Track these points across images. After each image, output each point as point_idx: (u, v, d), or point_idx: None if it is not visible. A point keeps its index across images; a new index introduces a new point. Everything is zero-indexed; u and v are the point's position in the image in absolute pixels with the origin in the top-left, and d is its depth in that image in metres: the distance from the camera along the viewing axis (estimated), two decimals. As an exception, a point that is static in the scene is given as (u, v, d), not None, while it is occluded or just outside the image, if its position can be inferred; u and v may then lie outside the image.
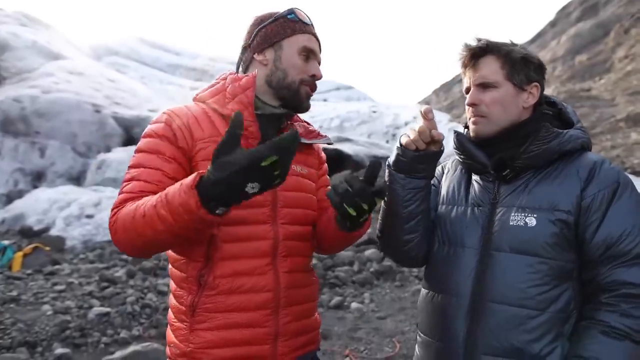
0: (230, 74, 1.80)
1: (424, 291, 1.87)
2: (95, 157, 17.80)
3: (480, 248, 1.68)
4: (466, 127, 1.84)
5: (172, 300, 1.72)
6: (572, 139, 1.67)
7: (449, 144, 1.84)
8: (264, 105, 1.75)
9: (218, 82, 1.79)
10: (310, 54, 1.75)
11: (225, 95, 1.71)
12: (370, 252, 9.02)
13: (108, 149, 18.14)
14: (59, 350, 5.24)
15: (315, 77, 1.77)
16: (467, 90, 1.78)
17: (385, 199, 1.76)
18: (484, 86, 1.73)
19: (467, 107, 1.79)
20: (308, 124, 1.93)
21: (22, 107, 18.10)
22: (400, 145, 1.69)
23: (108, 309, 6.17)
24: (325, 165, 2.01)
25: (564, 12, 78.15)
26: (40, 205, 14.29)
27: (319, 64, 1.80)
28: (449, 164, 1.98)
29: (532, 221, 1.61)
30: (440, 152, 1.69)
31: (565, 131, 1.68)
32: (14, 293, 6.55)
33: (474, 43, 1.75)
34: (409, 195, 1.72)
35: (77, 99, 19.05)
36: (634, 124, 35.03)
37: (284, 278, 1.67)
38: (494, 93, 1.72)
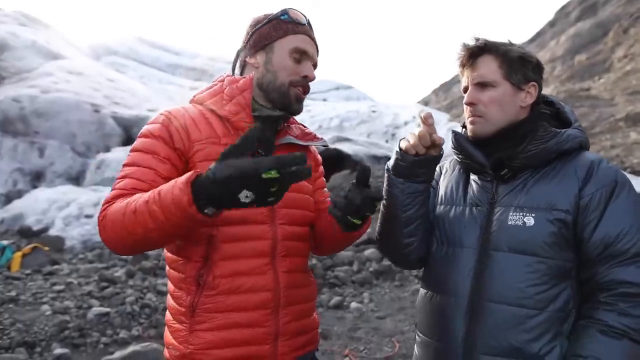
0: (228, 75, 1.81)
1: (422, 291, 1.87)
2: (94, 157, 17.81)
3: (478, 248, 1.68)
4: (464, 126, 1.84)
5: (170, 301, 1.71)
6: (570, 139, 1.67)
7: (447, 144, 1.83)
8: (261, 108, 1.75)
9: (215, 84, 1.79)
10: (303, 55, 1.72)
11: (223, 97, 1.72)
12: (370, 251, 9.02)
13: (107, 149, 18.14)
14: (58, 350, 5.24)
15: (307, 78, 1.74)
16: (466, 90, 1.79)
17: (384, 202, 1.77)
18: (482, 85, 1.73)
19: (465, 107, 1.79)
20: (304, 126, 1.93)
21: (21, 107, 18.09)
22: (400, 149, 1.68)
23: (107, 309, 6.17)
24: (321, 167, 2.01)
25: (563, 12, 78.18)
26: (39, 205, 14.29)
27: (315, 65, 1.78)
28: (446, 164, 1.98)
29: (530, 221, 1.61)
30: (440, 156, 1.69)
31: (563, 131, 1.68)
32: (13, 293, 6.55)
33: (472, 42, 1.76)
34: (408, 200, 1.73)
35: (76, 99, 19.05)
36: (633, 124, 35.05)
37: (283, 278, 1.67)
38: (492, 92, 1.72)
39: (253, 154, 1.30)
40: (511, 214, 1.65)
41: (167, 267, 1.73)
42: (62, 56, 24.34)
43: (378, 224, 1.88)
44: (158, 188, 1.41)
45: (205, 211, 1.31)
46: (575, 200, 1.60)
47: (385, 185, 1.77)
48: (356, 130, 25.53)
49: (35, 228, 13.15)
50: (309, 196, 1.84)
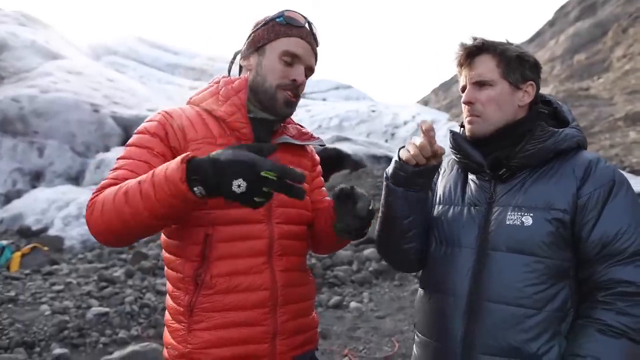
0: (223, 77, 1.82)
1: (421, 291, 1.87)
2: (93, 157, 17.82)
3: (477, 247, 1.68)
4: (462, 126, 1.84)
5: (169, 301, 1.72)
6: (568, 138, 1.68)
7: (447, 144, 1.83)
8: (256, 109, 1.76)
9: (212, 85, 1.81)
10: (294, 59, 1.71)
11: (219, 97, 1.73)
12: (369, 251, 9.01)
13: (107, 149, 18.14)
14: (57, 350, 5.24)
15: (296, 82, 1.72)
16: (464, 89, 1.79)
17: (383, 208, 1.79)
18: (479, 84, 1.74)
19: (463, 106, 1.79)
20: (301, 126, 1.94)
21: (21, 107, 18.10)
22: (399, 159, 1.67)
23: (107, 309, 6.17)
24: (319, 167, 2.02)
25: (562, 12, 78.23)
26: (38, 205, 14.30)
27: (309, 68, 1.77)
28: (444, 163, 1.98)
29: (528, 220, 1.61)
30: (440, 164, 1.69)
31: (560, 130, 1.68)
32: (12, 293, 6.54)
33: (469, 42, 1.76)
34: (407, 207, 1.73)
35: (76, 99, 19.05)
36: (633, 123, 35.08)
37: (280, 276, 1.67)
38: (489, 91, 1.72)
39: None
40: (509, 213, 1.65)
41: (166, 268, 1.73)
42: (62, 56, 24.35)
43: (377, 228, 1.88)
44: (154, 170, 1.42)
45: (195, 189, 1.32)
46: (573, 200, 1.60)
47: (383, 192, 1.78)
48: (356, 129, 25.54)
49: (34, 228, 13.17)
50: (307, 195, 1.83)
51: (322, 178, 2.02)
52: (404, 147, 1.67)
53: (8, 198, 15.91)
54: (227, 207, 1.59)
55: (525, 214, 1.62)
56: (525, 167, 1.68)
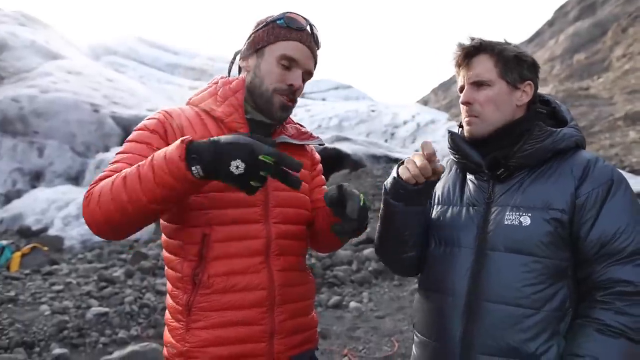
0: (222, 77, 1.83)
1: (420, 291, 1.88)
2: (93, 157, 17.83)
3: (475, 248, 1.68)
4: (461, 126, 1.85)
5: (168, 300, 1.73)
6: (566, 137, 1.68)
7: (445, 145, 1.83)
8: (253, 111, 1.76)
9: (210, 86, 1.81)
10: (292, 63, 1.70)
11: (217, 98, 1.74)
12: (369, 251, 9.01)
13: (106, 149, 18.15)
14: (57, 350, 5.24)
15: (293, 87, 1.72)
16: (462, 89, 1.79)
17: (382, 219, 1.82)
18: (477, 84, 1.74)
19: (461, 106, 1.79)
20: (301, 125, 1.94)
21: (21, 107, 18.10)
22: (398, 176, 1.67)
23: (106, 309, 6.17)
24: (320, 165, 2.02)
25: (561, 12, 78.25)
26: (38, 205, 14.31)
27: (308, 72, 1.76)
28: (443, 163, 1.98)
29: (526, 220, 1.61)
30: (439, 179, 1.69)
31: (559, 130, 1.68)
32: (12, 293, 6.55)
33: (467, 42, 1.76)
34: (406, 221, 1.75)
35: (76, 99, 19.06)
36: (632, 123, 35.09)
37: (277, 276, 1.68)
38: (487, 91, 1.73)
39: None
40: (507, 213, 1.65)
41: (166, 267, 1.75)
42: (62, 56, 24.35)
43: (376, 236, 1.90)
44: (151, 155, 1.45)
45: (193, 169, 1.34)
46: (571, 200, 1.60)
47: (382, 205, 1.79)
48: (355, 129, 25.55)
49: (34, 228, 13.18)
50: (305, 195, 1.84)
51: (323, 177, 2.02)
52: (402, 163, 1.66)
53: (8, 198, 15.92)
54: (224, 207, 1.62)
55: (524, 214, 1.62)
56: (523, 167, 1.68)
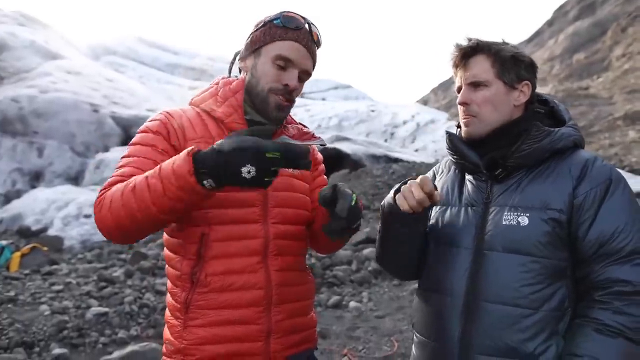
0: (223, 78, 1.84)
1: (419, 291, 1.88)
2: (93, 157, 17.83)
3: (474, 248, 1.68)
4: (459, 126, 1.85)
5: (168, 298, 1.75)
6: (564, 137, 1.68)
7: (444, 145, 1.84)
8: (252, 112, 1.77)
9: (212, 86, 1.83)
10: (288, 63, 1.70)
11: (217, 98, 1.75)
12: (369, 251, 9.01)
13: (106, 149, 18.16)
14: (57, 350, 5.24)
15: (288, 87, 1.71)
16: (459, 90, 1.80)
17: (380, 233, 1.83)
18: (475, 85, 1.74)
19: (459, 107, 1.80)
20: (303, 125, 1.94)
21: (20, 107, 18.11)
22: (395, 201, 1.67)
23: (106, 309, 6.17)
24: (322, 166, 2.02)
25: (561, 11, 78.26)
26: (38, 205, 14.31)
27: (305, 72, 1.76)
28: (442, 164, 1.99)
29: (524, 220, 1.61)
30: (436, 203, 1.68)
31: (556, 129, 1.68)
32: (12, 293, 6.55)
33: (464, 43, 1.76)
34: (405, 236, 1.77)
35: (75, 99, 19.07)
36: (632, 122, 35.11)
37: (275, 276, 1.69)
38: (484, 92, 1.73)
39: None
40: (505, 213, 1.65)
41: (166, 265, 1.77)
42: (61, 56, 24.35)
43: (377, 245, 1.91)
44: (159, 165, 1.45)
45: (205, 183, 1.36)
46: (569, 199, 1.60)
47: (380, 220, 1.81)
48: (355, 129, 25.56)
49: (34, 228, 13.18)
50: (305, 195, 1.85)
51: (325, 177, 2.03)
52: (400, 188, 1.67)
53: (8, 198, 15.92)
54: (223, 206, 1.63)
55: (522, 214, 1.62)
56: (521, 167, 1.69)
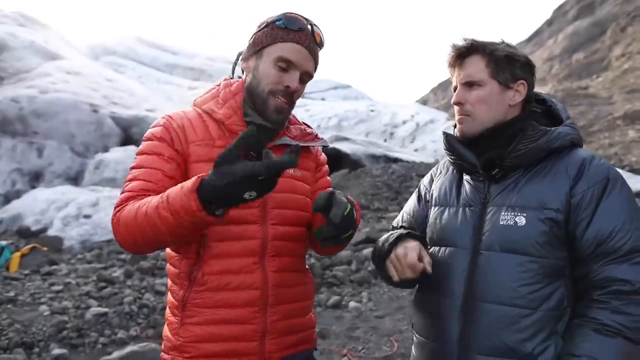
0: (225, 79, 1.85)
1: (418, 292, 1.88)
2: (93, 157, 17.82)
3: (471, 248, 1.68)
4: (456, 127, 1.85)
5: (168, 295, 1.78)
6: (561, 136, 1.67)
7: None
8: (253, 113, 1.77)
9: (214, 88, 1.83)
10: (290, 65, 1.71)
11: (218, 100, 1.76)
12: (368, 251, 9.00)
13: (106, 149, 18.15)
14: (56, 350, 5.24)
15: (289, 88, 1.71)
16: (455, 90, 1.80)
17: (375, 262, 1.82)
18: (469, 85, 1.75)
19: (454, 107, 1.80)
20: (308, 126, 1.94)
21: (20, 107, 18.10)
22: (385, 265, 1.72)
23: (106, 309, 6.17)
24: (325, 167, 2.02)
25: (560, 11, 78.27)
26: (38, 205, 14.30)
27: (306, 74, 1.76)
28: (440, 165, 1.99)
29: (521, 220, 1.61)
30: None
31: (553, 129, 1.68)
32: (11, 293, 6.55)
33: (460, 43, 1.77)
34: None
35: (75, 99, 19.07)
36: (632, 122, 35.12)
37: (272, 277, 1.70)
38: (479, 91, 1.73)
39: (246, 155, 1.33)
40: (503, 213, 1.65)
41: (167, 263, 1.80)
42: (61, 56, 24.35)
43: (372, 261, 1.91)
44: (166, 192, 1.46)
45: (217, 213, 1.38)
46: (566, 199, 1.60)
47: (372, 260, 1.84)
48: (354, 129, 25.57)
49: (33, 228, 13.17)
50: (305, 197, 1.84)
51: (328, 178, 2.02)
52: (391, 252, 1.69)
53: (7, 198, 15.92)
54: None
55: (519, 214, 1.62)
56: (518, 166, 1.68)
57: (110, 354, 5.20)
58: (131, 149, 16.79)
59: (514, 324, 1.57)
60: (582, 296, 1.60)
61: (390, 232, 1.83)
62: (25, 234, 12.75)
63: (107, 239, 11.82)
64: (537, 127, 1.66)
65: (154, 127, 1.75)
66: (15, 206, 14.78)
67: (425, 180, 2.01)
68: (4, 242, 9.43)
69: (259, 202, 1.68)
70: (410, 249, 1.64)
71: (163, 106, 21.69)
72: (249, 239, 1.67)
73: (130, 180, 1.65)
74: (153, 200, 1.49)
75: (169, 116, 1.76)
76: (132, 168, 1.69)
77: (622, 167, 20.99)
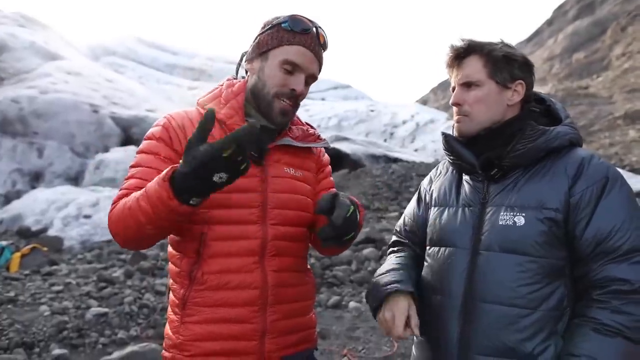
0: (228, 79, 1.85)
1: (417, 292, 1.87)
2: (93, 157, 17.82)
3: (471, 248, 1.68)
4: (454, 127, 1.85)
5: (170, 294, 1.79)
6: (560, 136, 1.67)
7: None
8: (257, 114, 1.77)
9: (217, 88, 1.84)
10: (295, 67, 1.71)
11: (221, 100, 1.77)
12: (368, 251, 9.01)
13: (106, 149, 18.15)
14: (57, 351, 5.24)
15: (295, 91, 1.72)
16: (454, 90, 1.80)
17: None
18: (467, 85, 1.75)
19: (453, 107, 1.80)
20: (311, 126, 1.95)
21: (20, 108, 18.11)
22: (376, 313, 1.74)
23: (106, 310, 6.17)
24: (328, 168, 2.02)
25: (560, 11, 78.29)
26: (38, 205, 14.31)
27: (312, 76, 1.77)
28: (440, 166, 1.99)
29: (520, 220, 1.61)
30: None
31: (552, 128, 1.68)
32: (12, 294, 6.56)
33: (458, 44, 1.77)
34: None
35: (75, 99, 19.07)
36: (632, 122, 35.12)
37: (272, 276, 1.70)
38: (477, 92, 1.73)
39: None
40: (502, 213, 1.64)
41: (169, 262, 1.81)
42: (61, 57, 24.36)
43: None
44: (148, 184, 1.49)
45: (191, 202, 1.40)
46: (565, 198, 1.59)
47: (367, 300, 1.86)
48: (354, 129, 25.58)
49: (34, 228, 13.17)
50: (307, 197, 1.85)
51: (331, 179, 2.02)
52: (381, 305, 1.71)
53: (8, 199, 15.92)
54: (222, 207, 1.65)
55: (518, 214, 1.62)
56: (517, 166, 1.68)
57: (110, 354, 5.20)
58: (131, 149, 16.80)
59: (514, 324, 1.57)
60: (582, 296, 1.59)
61: (385, 271, 1.82)
62: (25, 234, 12.76)
63: (108, 239, 11.83)
64: (536, 126, 1.66)
65: (154, 126, 1.77)
66: (15, 206, 14.79)
67: (425, 182, 2.01)
68: (4, 243, 9.44)
69: (259, 202, 1.70)
70: (398, 313, 1.64)
71: (163, 106, 21.70)
72: (248, 238, 1.68)
73: (128, 178, 1.68)
74: (137, 193, 1.52)
75: (170, 116, 1.77)
76: (131, 167, 1.72)
77: (623, 167, 20.99)
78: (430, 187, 1.95)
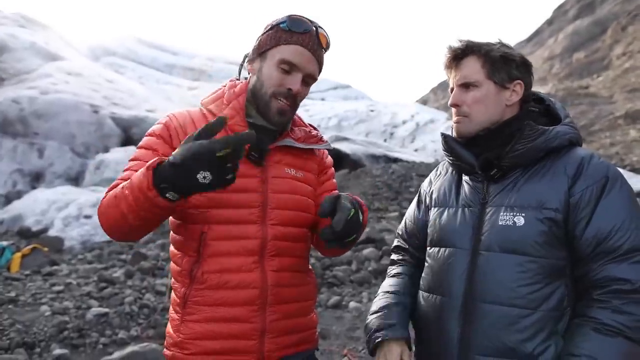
0: (230, 80, 1.87)
1: (418, 292, 1.87)
2: (93, 158, 17.83)
3: (471, 249, 1.68)
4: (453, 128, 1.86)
5: (172, 293, 1.80)
6: (559, 136, 1.67)
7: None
8: (257, 115, 1.78)
9: (220, 89, 1.85)
10: (293, 67, 1.71)
11: (223, 101, 1.78)
12: (368, 251, 9.01)
13: (106, 149, 18.16)
14: (57, 351, 5.25)
15: (291, 90, 1.72)
16: (452, 91, 1.80)
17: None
18: (466, 86, 1.75)
19: (452, 108, 1.80)
20: (314, 128, 1.95)
21: (21, 108, 18.11)
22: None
23: (106, 310, 6.18)
24: (331, 169, 2.02)
25: (560, 10, 78.25)
26: (38, 205, 14.31)
27: (310, 76, 1.77)
28: (440, 167, 1.99)
29: (520, 220, 1.60)
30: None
31: (551, 128, 1.68)
32: (12, 294, 6.56)
33: (456, 44, 1.77)
34: None
35: (75, 100, 19.08)
36: (633, 121, 35.09)
37: (271, 276, 1.71)
38: (475, 92, 1.73)
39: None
40: (502, 214, 1.64)
41: (171, 261, 1.82)
42: (61, 57, 24.37)
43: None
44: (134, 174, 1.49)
45: (167, 196, 1.37)
46: (565, 198, 1.59)
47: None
48: (354, 129, 25.58)
49: (34, 229, 13.18)
50: (307, 198, 1.85)
51: (334, 181, 2.02)
52: (380, 341, 1.73)
53: (8, 199, 15.93)
54: (222, 206, 1.66)
55: (517, 214, 1.61)
56: (516, 166, 1.68)
57: (111, 354, 5.20)
58: (131, 149, 16.73)
59: (514, 324, 1.57)
60: (582, 296, 1.59)
61: (378, 308, 1.88)
62: (26, 234, 12.76)
63: (108, 239, 11.82)
64: (535, 126, 1.66)
65: (156, 124, 1.80)
66: (16, 207, 14.79)
67: (425, 184, 2.01)
68: (5, 243, 9.44)
69: (259, 202, 1.71)
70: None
71: (163, 106, 21.70)
72: (248, 238, 1.69)
73: (125, 170, 1.69)
74: (124, 182, 1.53)
75: (173, 114, 1.79)
76: (129, 160, 1.73)
77: (624, 167, 20.98)
78: (430, 188, 1.95)
